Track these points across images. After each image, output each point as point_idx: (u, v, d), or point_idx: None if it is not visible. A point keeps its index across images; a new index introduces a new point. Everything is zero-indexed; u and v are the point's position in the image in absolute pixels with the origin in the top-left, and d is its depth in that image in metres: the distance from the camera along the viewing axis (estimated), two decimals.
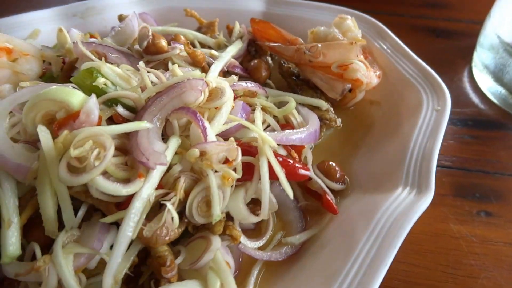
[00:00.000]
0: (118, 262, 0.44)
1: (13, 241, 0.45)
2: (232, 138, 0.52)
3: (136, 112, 0.52)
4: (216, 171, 0.50)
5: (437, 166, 0.64)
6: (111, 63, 0.59)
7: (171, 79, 0.55)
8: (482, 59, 0.88)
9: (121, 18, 0.83)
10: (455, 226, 0.70)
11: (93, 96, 0.48)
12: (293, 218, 0.63)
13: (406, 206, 0.55)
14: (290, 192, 0.54)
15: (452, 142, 0.84)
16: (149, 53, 0.67)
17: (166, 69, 0.63)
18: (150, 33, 0.67)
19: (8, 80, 0.63)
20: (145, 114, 0.50)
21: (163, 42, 0.68)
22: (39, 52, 0.68)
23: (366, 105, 0.81)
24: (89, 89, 0.52)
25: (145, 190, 0.46)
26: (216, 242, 0.50)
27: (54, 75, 0.68)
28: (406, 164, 0.63)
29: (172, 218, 0.47)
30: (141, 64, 0.57)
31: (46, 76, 0.68)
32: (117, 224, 0.48)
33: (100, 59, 0.59)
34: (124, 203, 0.48)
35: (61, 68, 0.68)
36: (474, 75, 0.92)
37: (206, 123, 0.52)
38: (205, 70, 0.69)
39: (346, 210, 0.63)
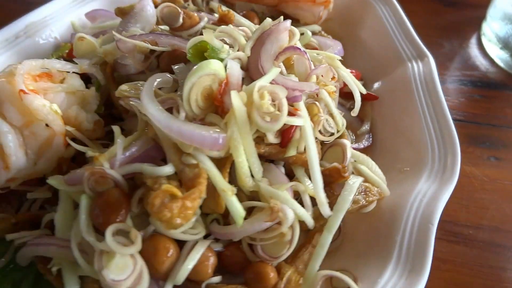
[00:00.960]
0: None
1: (238, 205, 0.52)
2: None
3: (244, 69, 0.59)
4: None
5: (452, 120, 0.72)
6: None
7: (257, 30, 0.62)
8: (493, 28, 1.00)
9: (122, 11, 0.74)
10: (468, 167, 0.82)
11: (228, 60, 0.56)
12: None
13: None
14: None
15: (464, 100, 0.96)
16: (184, 28, 0.68)
17: None
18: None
19: (68, 102, 0.61)
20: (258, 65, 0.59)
21: (196, 14, 0.70)
22: (78, 66, 0.65)
23: None
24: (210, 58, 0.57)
25: None
26: None
27: (102, 82, 0.67)
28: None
29: None
30: (228, 27, 0.64)
31: (97, 85, 0.67)
32: None
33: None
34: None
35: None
36: (483, 43, 1.04)
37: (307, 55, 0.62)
38: None
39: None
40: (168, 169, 0.51)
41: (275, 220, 0.53)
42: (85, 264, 0.49)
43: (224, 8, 0.77)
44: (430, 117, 0.72)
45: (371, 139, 0.77)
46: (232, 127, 0.52)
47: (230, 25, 0.67)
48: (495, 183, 0.80)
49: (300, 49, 0.62)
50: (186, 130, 0.50)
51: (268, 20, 0.65)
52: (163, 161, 0.54)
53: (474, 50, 1.05)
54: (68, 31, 0.87)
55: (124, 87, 0.58)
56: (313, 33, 0.83)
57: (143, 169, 0.52)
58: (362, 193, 0.61)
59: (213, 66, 0.54)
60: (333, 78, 0.65)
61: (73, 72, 0.63)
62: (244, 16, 0.81)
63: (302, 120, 0.56)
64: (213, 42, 0.58)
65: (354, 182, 0.60)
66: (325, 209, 0.57)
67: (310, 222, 0.56)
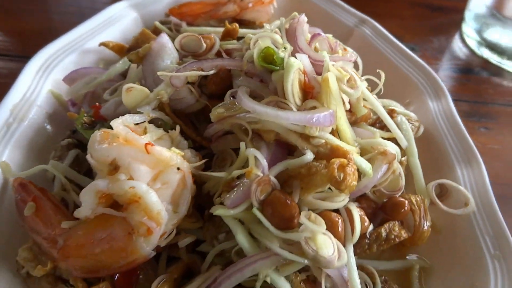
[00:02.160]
0: None
1: (364, 161, 0.62)
2: None
3: None
4: None
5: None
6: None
7: (282, 28, 0.73)
8: (470, 26, 1.28)
9: (138, 55, 0.74)
10: None
11: (296, 55, 0.65)
12: None
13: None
14: None
15: (454, 84, 1.19)
16: (207, 51, 0.75)
17: None
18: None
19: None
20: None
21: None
22: (145, 115, 0.64)
23: None
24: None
25: None
26: None
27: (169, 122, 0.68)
28: None
29: None
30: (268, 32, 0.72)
31: (167, 126, 0.67)
32: None
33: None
34: None
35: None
36: (464, 38, 1.32)
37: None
38: None
39: None
40: (309, 156, 0.59)
41: (390, 160, 0.65)
42: (296, 256, 0.54)
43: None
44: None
45: None
46: (332, 102, 0.62)
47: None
48: (485, 146, 1.00)
49: (321, 34, 0.74)
50: (309, 118, 0.58)
51: (280, 20, 0.76)
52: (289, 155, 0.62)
53: (458, 44, 1.30)
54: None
55: (220, 109, 0.62)
56: None
57: (290, 164, 0.59)
58: None
59: (296, 63, 0.62)
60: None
61: None
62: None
63: (362, 84, 0.69)
64: (273, 46, 0.66)
65: None
66: (402, 140, 0.72)
67: (404, 142, 0.71)
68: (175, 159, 0.57)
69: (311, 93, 0.63)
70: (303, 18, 0.73)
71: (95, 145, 0.56)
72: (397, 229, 0.64)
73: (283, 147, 0.62)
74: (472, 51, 1.29)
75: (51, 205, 0.63)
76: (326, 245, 0.55)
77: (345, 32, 0.98)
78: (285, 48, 0.68)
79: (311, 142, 0.60)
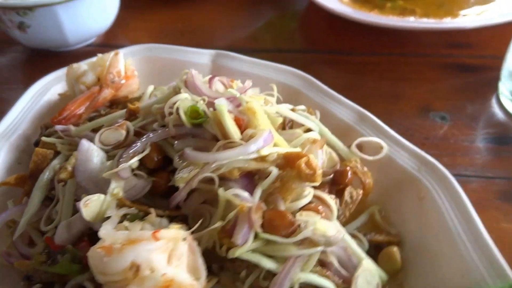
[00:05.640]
0: None
1: None
2: None
3: None
4: None
5: (483, 177, 0.87)
6: None
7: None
8: (508, 87, 1.10)
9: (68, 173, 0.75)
10: (506, 225, 0.83)
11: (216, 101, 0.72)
12: None
13: None
14: None
15: (491, 157, 0.98)
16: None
17: None
18: None
19: None
20: None
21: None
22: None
23: None
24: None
25: None
26: None
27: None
28: None
29: None
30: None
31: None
32: None
33: None
34: None
35: None
36: (502, 101, 1.12)
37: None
38: None
39: None
40: (275, 170, 0.69)
41: (321, 144, 0.79)
42: (313, 249, 0.64)
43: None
44: None
45: None
46: (262, 124, 0.74)
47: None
48: None
49: (216, 76, 0.85)
50: (258, 143, 0.68)
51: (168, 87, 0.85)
52: None
53: (495, 109, 1.11)
54: None
55: (182, 174, 0.68)
56: None
57: (265, 185, 0.68)
58: None
59: (224, 105, 0.71)
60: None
61: None
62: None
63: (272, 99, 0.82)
64: (191, 102, 0.75)
65: None
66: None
67: (315, 127, 0.85)
68: (181, 233, 0.61)
69: (243, 125, 0.74)
70: (195, 71, 0.82)
71: (104, 260, 0.56)
72: (353, 191, 0.79)
73: (248, 176, 0.71)
74: (511, 116, 1.09)
75: None
76: (328, 228, 0.66)
77: (205, 69, 1.09)
78: (204, 100, 0.77)
79: (268, 160, 0.70)
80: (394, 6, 1.35)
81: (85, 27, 1.22)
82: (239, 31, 1.48)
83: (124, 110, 0.86)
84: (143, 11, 1.52)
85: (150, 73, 1.11)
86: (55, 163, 0.83)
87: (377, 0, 1.38)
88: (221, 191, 0.66)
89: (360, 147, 0.86)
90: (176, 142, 0.74)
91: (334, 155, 0.83)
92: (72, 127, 0.91)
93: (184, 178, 0.68)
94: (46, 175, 0.81)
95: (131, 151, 0.73)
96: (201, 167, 0.68)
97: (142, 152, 0.74)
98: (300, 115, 0.86)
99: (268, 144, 0.70)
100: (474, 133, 1.04)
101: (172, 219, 0.71)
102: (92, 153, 0.74)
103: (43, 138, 0.89)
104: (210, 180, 0.68)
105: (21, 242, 0.78)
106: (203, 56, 1.12)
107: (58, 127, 0.91)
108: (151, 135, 0.76)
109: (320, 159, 0.77)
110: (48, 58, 1.25)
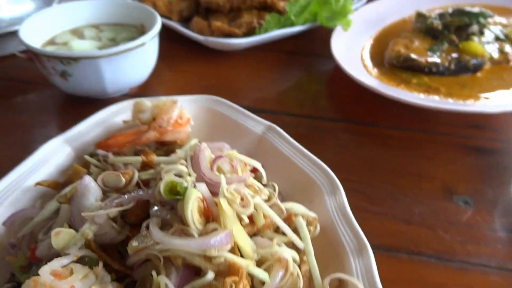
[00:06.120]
0: None
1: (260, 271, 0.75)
2: None
3: None
4: None
5: (507, 269, 0.88)
6: None
7: (188, 157, 0.88)
8: None
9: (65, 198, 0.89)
10: None
11: (196, 184, 0.78)
12: None
13: None
14: None
15: None
16: (127, 185, 0.88)
17: None
18: None
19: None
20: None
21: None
22: (72, 256, 0.75)
23: None
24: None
25: None
26: None
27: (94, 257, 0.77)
28: None
29: None
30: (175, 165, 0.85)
31: (91, 262, 0.76)
32: None
33: None
34: None
35: None
36: None
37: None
38: None
39: None
40: (210, 276, 0.69)
41: (285, 265, 0.76)
42: None
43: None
44: None
45: None
46: (228, 222, 0.74)
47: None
48: None
49: (222, 156, 0.87)
50: (207, 242, 0.70)
51: (188, 146, 0.90)
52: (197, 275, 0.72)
53: None
54: None
55: (134, 243, 0.73)
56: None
57: (194, 286, 0.69)
58: None
59: (195, 193, 0.75)
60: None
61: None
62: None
63: (257, 198, 0.82)
64: (176, 179, 0.79)
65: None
66: (298, 243, 0.83)
67: (300, 244, 0.82)
68: None
69: (212, 216, 0.75)
70: (204, 146, 0.87)
71: None
72: None
73: (191, 269, 0.72)
74: None
75: None
76: None
77: (254, 138, 1.13)
78: (189, 175, 0.81)
79: (213, 262, 0.71)
80: (420, 83, 1.41)
81: (125, 79, 1.30)
82: (266, 91, 1.54)
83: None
84: (179, 63, 1.61)
85: (206, 125, 1.19)
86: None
87: (404, 75, 1.45)
88: (154, 273, 0.70)
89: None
90: (153, 208, 0.79)
91: (300, 282, 0.78)
92: (111, 155, 1.03)
93: (134, 247, 0.73)
94: (65, 190, 0.94)
95: (116, 200, 0.80)
96: (152, 243, 0.72)
97: (127, 204, 0.81)
98: (292, 225, 0.84)
99: (221, 246, 0.71)
100: (497, 221, 1.02)
101: (124, 277, 0.77)
102: (89, 189, 0.83)
103: (85, 157, 1.04)
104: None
105: (26, 241, 0.92)
106: (259, 125, 1.15)
107: (100, 152, 1.05)
108: (140, 192, 0.83)
109: (277, 280, 0.74)
110: (83, 103, 1.37)
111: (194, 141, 1.07)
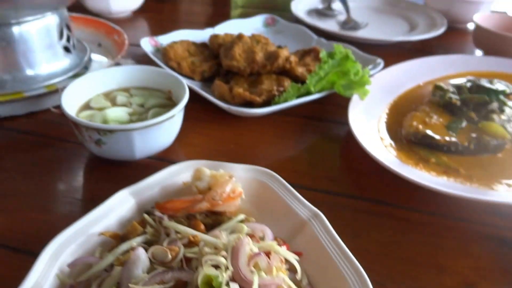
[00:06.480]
0: None
1: None
2: None
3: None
4: None
5: None
6: None
7: (228, 249, 0.95)
8: None
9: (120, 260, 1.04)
10: None
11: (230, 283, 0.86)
12: None
13: None
14: None
15: None
16: (172, 261, 0.98)
17: None
18: None
19: None
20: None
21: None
22: None
23: None
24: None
25: None
26: None
27: None
28: None
29: None
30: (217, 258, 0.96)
31: None
32: None
33: None
34: None
35: None
36: None
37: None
38: None
39: None
40: None
41: None
42: None
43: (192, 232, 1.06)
44: None
45: None
46: None
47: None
48: None
49: (260, 253, 0.95)
50: None
51: (232, 238, 0.98)
52: None
53: None
54: None
55: None
56: (241, 221, 1.17)
57: None
58: None
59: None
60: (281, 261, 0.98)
61: None
62: (192, 225, 1.12)
63: None
64: (214, 272, 0.87)
65: None
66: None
67: None
68: None
69: None
70: (246, 240, 0.95)
71: None
72: None
73: None
74: None
75: None
76: None
77: (298, 223, 1.18)
78: (227, 268, 0.89)
79: None
80: (439, 162, 1.37)
81: (153, 146, 1.41)
82: (280, 157, 1.56)
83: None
84: (200, 128, 1.67)
85: (255, 198, 1.27)
86: (134, 241, 1.08)
87: (422, 152, 1.41)
88: None
89: None
90: None
91: None
92: (166, 218, 1.15)
93: None
94: (122, 248, 1.06)
95: (159, 277, 0.91)
96: None
97: (168, 281, 0.91)
98: None
99: None
100: None
101: None
102: (139, 261, 0.95)
103: (144, 215, 1.16)
104: None
105: (82, 286, 1.05)
106: (305, 210, 1.20)
107: (157, 213, 1.16)
108: (182, 273, 0.92)
109: None
110: (111, 163, 1.47)
111: (241, 217, 1.15)
